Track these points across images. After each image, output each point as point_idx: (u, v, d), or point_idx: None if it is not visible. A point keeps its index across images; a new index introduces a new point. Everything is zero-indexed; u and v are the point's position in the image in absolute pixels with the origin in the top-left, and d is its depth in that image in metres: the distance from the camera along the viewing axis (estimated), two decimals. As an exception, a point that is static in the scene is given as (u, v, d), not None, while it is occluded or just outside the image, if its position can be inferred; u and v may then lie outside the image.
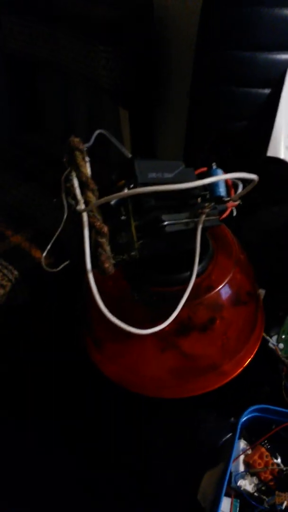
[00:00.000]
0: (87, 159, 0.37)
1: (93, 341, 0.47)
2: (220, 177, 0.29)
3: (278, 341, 0.58)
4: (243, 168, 0.71)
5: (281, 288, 0.62)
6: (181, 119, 0.87)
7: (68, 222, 0.43)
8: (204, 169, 0.46)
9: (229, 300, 0.44)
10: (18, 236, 0.78)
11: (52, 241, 0.44)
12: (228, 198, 0.38)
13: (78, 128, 1.17)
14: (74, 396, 0.51)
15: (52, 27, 0.93)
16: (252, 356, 0.44)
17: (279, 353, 0.56)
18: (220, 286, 0.41)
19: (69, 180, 0.39)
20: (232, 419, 0.54)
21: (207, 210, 0.36)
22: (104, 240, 0.35)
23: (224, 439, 0.54)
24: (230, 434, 0.54)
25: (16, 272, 0.67)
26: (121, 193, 0.29)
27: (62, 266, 0.38)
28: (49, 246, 0.46)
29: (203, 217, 0.37)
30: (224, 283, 0.41)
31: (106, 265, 0.35)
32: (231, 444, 0.49)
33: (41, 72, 1.16)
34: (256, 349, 0.45)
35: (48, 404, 0.51)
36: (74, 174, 0.36)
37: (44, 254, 0.49)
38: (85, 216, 0.33)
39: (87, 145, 0.37)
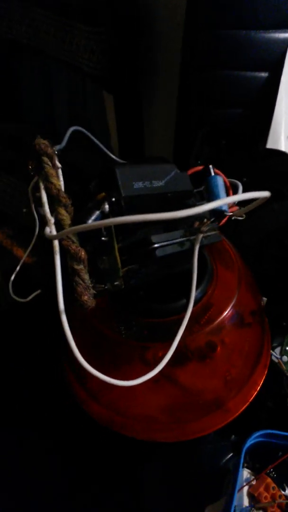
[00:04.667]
0: (58, 165, 0.30)
1: (75, 374, 0.40)
2: (226, 200, 0.22)
3: (281, 354, 0.53)
4: (239, 161, 0.65)
5: (284, 295, 0.56)
6: (171, 108, 0.80)
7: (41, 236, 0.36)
8: (197, 168, 0.39)
9: (231, 322, 0.38)
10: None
11: (30, 247, 0.38)
12: (231, 213, 0.31)
13: (59, 117, 1.10)
14: (52, 431, 0.46)
15: (27, 3, 0.85)
16: (258, 388, 0.38)
17: (283, 367, 0.52)
18: (225, 313, 0.35)
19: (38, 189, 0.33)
20: (233, 437, 0.49)
21: (206, 228, 0.29)
22: (81, 267, 0.28)
23: (225, 460, 0.50)
24: (231, 454, 0.50)
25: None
26: (100, 222, 0.22)
27: (32, 296, 0.32)
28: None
29: (201, 235, 0.30)
30: (229, 308, 0.35)
31: (85, 297, 0.28)
32: (232, 471, 0.44)
33: (17, 55, 1.07)
34: (263, 379, 0.39)
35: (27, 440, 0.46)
36: (42, 186, 0.29)
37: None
38: (56, 241, 0.26)
39: (58, 147, 0.30)
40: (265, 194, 0.23)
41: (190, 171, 0.38)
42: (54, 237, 0.26)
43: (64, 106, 1.09)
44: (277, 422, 0.49)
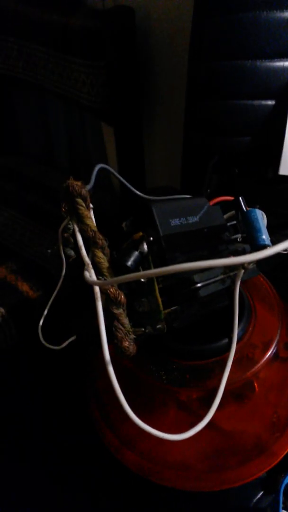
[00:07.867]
0: (91, 206, 0.29)
1: (105, 421, 0.38)
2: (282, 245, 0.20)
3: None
4: (250, 188, 0.64)
5: None
6: (174, 138, 0.81)
7: (67, 278, 0.35)
8: (222, 199, 0.39)
9: (267, 358, 0.36)
10: (2, 269, 0.70)
11: (53, 295, 0.36)
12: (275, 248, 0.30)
13: (58, 149, 1.10)
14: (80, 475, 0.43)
15: (24, 40, 0.86)
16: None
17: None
18: (269, 353, 0.33)
19: (67, 229, 0.31)
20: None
21: (251, 266, 0.28)
22: (121, 311, 0.26)
23: (255, 499, 0.47)
24: (261, 493, 0.47)
25: (2, 309, 0.58)
26: (148, 272, 0.21)
27: (66, 343, 0.30)
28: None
29: (243, 271, 0.29)
30: (273, 347, 0.33)
31: (125, 343, 0.27)
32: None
33: (15, 89, 1.08)
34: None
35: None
36: (76, 228, 0.28)
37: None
38: (97, 287, 0.25)
39: (88, 187, 0.29)
40: None
41: (213, 201, 0.37)
42: (98, 284, 0.24)
43: (63, 139, 1.09)
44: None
